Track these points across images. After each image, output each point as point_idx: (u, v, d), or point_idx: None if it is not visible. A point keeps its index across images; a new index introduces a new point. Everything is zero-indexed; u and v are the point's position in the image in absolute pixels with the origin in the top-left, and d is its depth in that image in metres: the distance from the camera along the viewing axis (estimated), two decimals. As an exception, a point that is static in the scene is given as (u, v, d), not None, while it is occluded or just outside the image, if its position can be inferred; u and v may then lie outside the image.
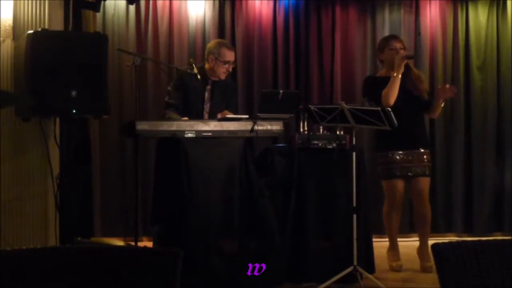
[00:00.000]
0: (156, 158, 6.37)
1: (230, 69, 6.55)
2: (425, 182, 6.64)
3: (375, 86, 6.60)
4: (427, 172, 6.63)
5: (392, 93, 6.40)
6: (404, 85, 6.50)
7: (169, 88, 6.59)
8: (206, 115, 6.50)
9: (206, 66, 6.54)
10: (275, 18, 8.51)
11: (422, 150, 6.61)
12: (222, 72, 6.46)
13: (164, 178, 5.98)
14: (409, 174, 6.57)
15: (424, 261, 6.57)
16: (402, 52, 6.56)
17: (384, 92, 6.43)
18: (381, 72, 6.86)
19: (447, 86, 6.71)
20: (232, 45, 6.95)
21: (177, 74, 6.58)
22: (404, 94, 6.48)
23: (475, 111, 8.70)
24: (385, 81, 6.53)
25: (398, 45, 6.64)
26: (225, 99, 6.63)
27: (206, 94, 6.53)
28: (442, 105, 6.68)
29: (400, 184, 6.64)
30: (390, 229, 6.82)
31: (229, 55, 6.48)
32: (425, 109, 6.74)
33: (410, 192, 6.78)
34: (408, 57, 6.59)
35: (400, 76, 6.43)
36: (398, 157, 6.55)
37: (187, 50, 8.19)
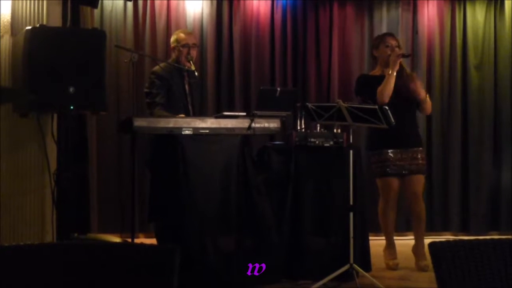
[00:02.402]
0: (152, 155, 6.35)
1: (192, 53, 6.53)
2: (419, 180, 6.64)
3: (367, 84, 6.62)
4: (421, 170, 6.63)
5: (387, 91, 6.39)
6: (396, 84, 6.49)
7: (147, 90, 6.53)
8: (191, 109, 6.53)
9: (173, 58, 6.62)
10: (273, 16, 8.52)
11: (415, 149, 6.61)
12: (184, 56, 6.47)
13: (161, 175, 5.98)
14: (403, 172, 6.57)
15: (419, 260, 6.57)
16: (397, 50, 6.57)
17: (379, 89, 6.43)
18: (374, 71, 6.86)
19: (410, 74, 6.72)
20: (192, 31, 7.00)
21: (154, 74, 6.54)
22: (395, 93, 6.47)
23: (472, 110, 8.71)
24: (377, 79, 6.55)
25: (393, 42, 6.65)
26: (198, 90, 6.72)
27: (187, 87, 6.55)
28: (428, 97, 6.65)
29: (394, 182, 6.64)
30: (386, 227, 6.82)
31: (186, 38, 6.53)
32: (417, 107, 6.73)
33: (404, 191, 6.77)
34: (404, 56, 6.60)
35: (395, 74, 6.43)
36: (391, 155, 6.55)
37: (185, 47, 8.18)
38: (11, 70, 5.73)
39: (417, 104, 6.68)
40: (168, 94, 6.44)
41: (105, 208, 8.01)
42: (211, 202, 5.79)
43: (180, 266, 2.61)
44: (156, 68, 6.63)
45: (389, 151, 6.54)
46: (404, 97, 6.55)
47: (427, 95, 6.66)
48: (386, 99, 6.36)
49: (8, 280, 2.56)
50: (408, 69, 6.81)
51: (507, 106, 8.67)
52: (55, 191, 5.75)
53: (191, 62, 6.45)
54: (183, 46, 6.47)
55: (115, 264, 2.63)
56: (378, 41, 6.80)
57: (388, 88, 6.40)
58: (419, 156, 6.60)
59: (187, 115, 6.32)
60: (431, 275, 2.63)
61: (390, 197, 6.69)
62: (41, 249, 2.72)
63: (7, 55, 5.79)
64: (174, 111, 6.27)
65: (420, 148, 6.69)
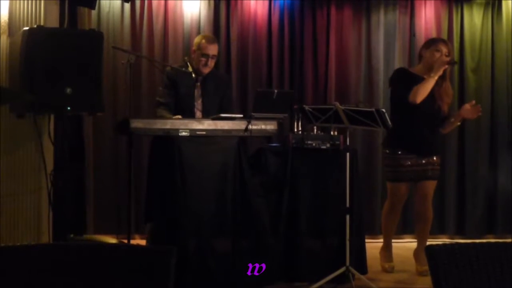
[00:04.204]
0: (150, 156, 6.37)
1: (211, 64, 6.53)
2: (431, 185, 6.61)
3: (406, 79, 6.51)
4: (434, 176, 6.59)
5: (423, 92, 6.28)
6: (433, 91, 6.42)
7: (160, 88, 6.61)
8: (198, 113, 6.50)
9: (191, 59, 6.60)
10: (270, 17, 8.51)
11: (431, 156, 6.55)
12: (201, 65, 6.47)
13: (157, 176, 5.98)
14: (416, 177, 6.53)
15: (419, 265, 6.55)
16: (444, 57, 6.44)
17: (415, 88, 6.30)
18: (415, 69, 6.75)
19: (472, 104, 6.59)
20: (215, 39, 6.88)
21: (165, 73, 6.59)
22: (430, 100, 6.42)
23: (468, 113, 8.70)
24: (415, 78, 6.45)
25: (444, 50, 6.50)
26: (218, 94, 6.63)
27: (196, 91, 6.54)
28: (459, 123, 6.63)
29: (404, 187, 6.60)
30: (387, 229, 6.81)
31: (208, 48, 6.48)
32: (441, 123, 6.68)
33: (414, 193, 6.74)
34: (450, 63, 6.46)
35: (436, 78, 6.32)
36: (407, 161, 6.50)
37: (182, 48, 8.18)
38: (9, 71, 5.72)
39: (442, 120, 6.64)
40: (176, 95, 6.45)
41: (101, 209, 8.01)
42: (208, 203, 5.80)
43: (176, 267, 2.60)
44: (168, 68, 6.67)
45: (405, 156, 6.49)
46: (438, 106, 6.51)
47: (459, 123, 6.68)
48: (419, 99, 6.26)
49: (3, 280, 2.56)
50: (449, 83, 6.67)
51: (503, 109, 8.68)
52: (52, 192, 5.75)
53: (188, 63, 6.48)
54: (202, 55, 6.46)
55: (111, 265, 2.63)
56: (430, 43, 6.66)
57: (424, 89, 6.29)
58: (435, 161, 6.57)
59: (192, 117, 6.31)
60: (427, 278, 2.63)
61: (397, 201, 6.66)
62: (37, 250, 2.72)
63: (4, 55, 5.78)
64: (180, 112, 6.28)
65: (437, 156, 6.63)
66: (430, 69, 6.41)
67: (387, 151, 6.66)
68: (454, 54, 6.82)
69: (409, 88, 6.36)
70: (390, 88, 6.75)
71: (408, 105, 6.29)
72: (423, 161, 6.50)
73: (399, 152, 6.51)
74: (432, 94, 6.41)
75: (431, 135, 6.57)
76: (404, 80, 6.51)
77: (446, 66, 6.40)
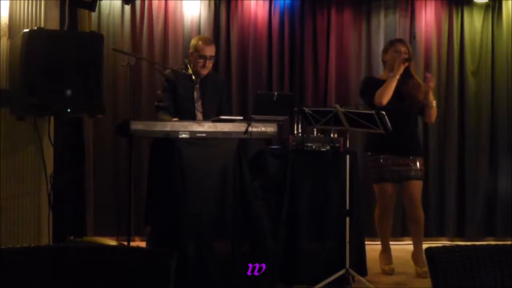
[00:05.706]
0: (150, 158, 6.37)
1: (209, 65, 6.53)
2: (416, 185, 6.62)
3: (373, 87, 6.57)
4: (418, 176, 6.61)
5: (387, 93, 6.38)
6: (400, 91, 6.48)
7: (158, 92, 6.60)
8: (199, 115, 6.49)
9: (188, 61, 6.59)
10: (270, 19, 8.51)
11: (412, 157, 6.58)
12: (200, 66, 6.47)
13: (157, 178, 5.98)
14: (400, 177, 6.56)
15: (419, 267, 6.56)
16: (403, 55, 6.55)
17: (378, 91, 6.41)
18: (382, 75, 6.86)
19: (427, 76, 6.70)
20: (212, 40, 6.91)
21: (164, 76, 6.58)
22: (399, 100, 6.46)
23: (469, 116, 8.69)
24: (383, 83, 6.51)
25: (403, 48, 6.60)
26: (217, 95, 6.63)
27: (195, 93, 6.53)
28: (434, 103, 6.63)
29: (391, 187, 6.63)
30: (382, 233, 6.82)
31: (205, 49, 6.48)
32: (420, 114, 6.73)
33: (402, 196, 6.76)
34: (407, 60, 6.53)
35: (397, 77, 6.40)
36: (389, 161, 6.54)
37: (182, 50, 8.17)
38: (9, 73, 5.72)
39: (421, 111, 6.68)
40: (176, 97, 6.45)
41: (101, 211, 8.01)
42: (207, 206, 5.79)
43: (176, 269, 2.60)
44: (168, 70, 6.67)
45: (388, 157, 6.52)
46: (408, 104, 6.55)
47: (434, 103, 6.64)
48: (384, 101, 6.35)
49: (3, 282, 2.56)
50: (419, 79, 6.75)
51: (503, 112, 8.66)
52: (52, 194, 5.75)
53: (188, 66, 6.49)
54: (200, 57, 6.46)
55: (111, 267, 2.63)
56: (388, 46, 6.78)
57: (387, 89, 6.39)
58: (417, 163, 6.58)
59: (193, 120, 6.31)
60: (427, 281, 2.63)
61: (386, 203, 6.69)
62: (37, 252, 2.72)
63: (4, 57, 5.78)
64: (180, 114, 6.28)
65: (419, 157, 6.67)
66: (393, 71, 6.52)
67: (369, 153, 6.74)
68: (412, 51, 6.92)
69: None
70: (361, 98, 6.79)
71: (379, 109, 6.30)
72: (404, 161, 6.54)
73: (379, 154, 6.59)
74: (399, 94, 6.50)
75: (408, 134, 6.62)
76: (372, 88, 6.59)
77: (406, 64, 6.47)
